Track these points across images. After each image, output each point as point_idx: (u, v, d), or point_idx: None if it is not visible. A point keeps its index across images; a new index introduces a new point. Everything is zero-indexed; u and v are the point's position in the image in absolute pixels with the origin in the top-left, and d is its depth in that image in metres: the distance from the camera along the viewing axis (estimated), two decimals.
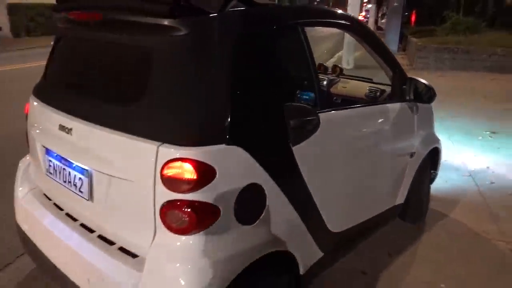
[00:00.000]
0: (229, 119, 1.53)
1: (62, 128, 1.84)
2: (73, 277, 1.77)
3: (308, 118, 1.85)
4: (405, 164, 2.82)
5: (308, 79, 2.06)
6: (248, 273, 1.61)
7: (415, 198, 3.00)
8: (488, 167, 4.48)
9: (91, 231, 1.83)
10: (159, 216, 1.52)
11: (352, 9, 13.55)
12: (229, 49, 1.60)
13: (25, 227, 2.11)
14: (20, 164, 2.36)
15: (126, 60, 1.73)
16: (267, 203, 1.70)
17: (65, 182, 1.89)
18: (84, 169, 1.76)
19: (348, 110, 2.28)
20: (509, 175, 4.30)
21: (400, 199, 2.86)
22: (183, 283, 1.47)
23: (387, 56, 2.64)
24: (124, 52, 1.74)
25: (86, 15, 1.82)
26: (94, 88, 1.86)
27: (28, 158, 2.34)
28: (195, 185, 1.46)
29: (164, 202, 1.50)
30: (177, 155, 1.45)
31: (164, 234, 1.53)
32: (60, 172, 1.91)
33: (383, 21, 41.17)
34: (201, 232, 1.51)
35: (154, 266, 1.54)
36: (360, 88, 3.22)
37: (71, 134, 1.79)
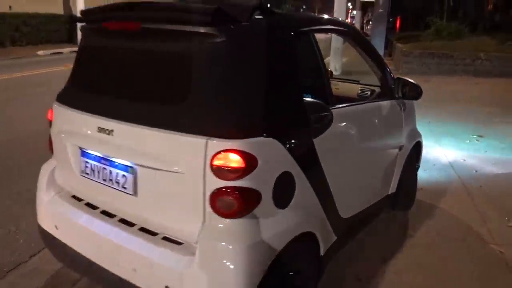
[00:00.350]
0: (265, 114, 1.75)
1: (101, 130, 1.93)
2: (115, 270, 1.89)
3: (324, 114, 2.06)
4: (396, 157, 3.07)
5: (321, 78, 2.32)
6: (285, 252, 1.78)
7: (405, 187, 3.24)
8: (476, 171, 4.55)
9: (131, 225, 1.95)
10: (208, 203, 1.68)
11: (338, 16, 13.66)
12: (261, 53, 1.82)
13: (52, 229, 2.19)
14: (42, 170, 2.40)
15: (167, 64, 1.85)
16: (296, 189, 1.90)
17: (105, 180, 2.00)
18: (128, 166, 1.89)
19: (352, 107, 2.49)
20: (497, 178, 4.37)
21: (392, 188, 3.10)
22: (235, 262, 1.65)
23: (377, 58, 2.93)
24: (165, 57, 1.86)
25: (124, 25, 1.95)
26: (134, 91, 1.96)
27: (50, 162, 2.39)
28: (242, 173, 1.64)
29: (214, 190, 1.67)
30: (226, 147, 1.63)
31: (214, 219, 1.70)
32: (99, 172, 2.02)
33: (368, 27, 41.74)
34: (247, 215, 1.70)
35: (206, 249, 1.69)
36: (351, 89, 3.44)
37: (112, 135, 1.90)
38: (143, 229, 1.91)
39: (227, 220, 1.69)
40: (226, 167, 1.63)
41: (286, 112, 1.90)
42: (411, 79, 2.99)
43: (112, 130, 1.90)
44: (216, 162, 1.63)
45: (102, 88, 2.11)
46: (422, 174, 4.37)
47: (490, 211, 3.60)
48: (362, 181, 2.69)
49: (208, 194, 1.68)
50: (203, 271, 1.68)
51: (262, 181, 1.71)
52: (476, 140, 5.72)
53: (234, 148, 1.63)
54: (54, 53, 16.15)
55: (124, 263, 1.87)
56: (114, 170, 1.95)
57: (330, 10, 14.41)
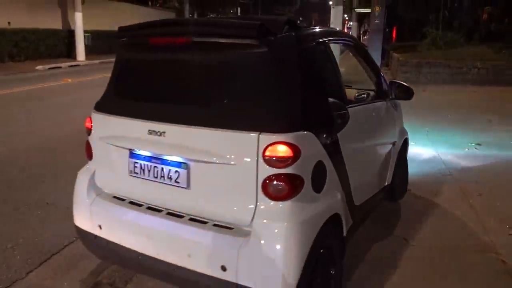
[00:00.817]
0: (302, 112, 2.04)
1: (152, 132, 2.14)
2: (168, 258, 2.10)
3: (344, 112, 2.38)
4: (390, 151, 3.44)
5: (338, 81, 2.62)
6: (322, 230, 2.05)
7: (398, 179, 3.62)
8: (476, 181, 4.52)
9: (180, 217, 2.15)
10: (261, 189, 1.94)
11: (335, 27, 13.75)
12: (294, 60, 2.13)
13: (95, 229, 2.36)
14: (80, 175, 2.55)
15: (217, 71, 2.16)
16: (327, 176, 2.17)
17: (156, 177, 2.20)
18: (182, 162, 2.10)
19: (360, 107, 2.87)
20: (496, 187, 4.35)
21: (388, 180, 3.44)
22: (288, 238, 1.91)
23: (374, 66, 3.33)
24: (214, 66, 2.16)
25: (174, 39, 2.21)
26: (185, 97, 2.23)
27: (87, 168, 2.56)
28: (290, 162, 1.91)
29: (266, 177, 1.92)
30: (276, 140, 1.89)
31: (266, 202, 1.95)
32: (149, 170, 2.22)
33: (365, 37, 41.99)
34: (293, 198, 1.96)
35: (261, 228, 1.93)
36: (349, 93, 3.81)
37: (164, 136, 2.11)
38: (192, 219, 2.12)
39: (278, 203, 1.95)
40: (277, 156, 1.90)
41: (317, 110, 2.19)
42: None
43: (164, 132, 2.11)
44: (268, 153, 1.90)
45: (150, 96, 2.34)
46: (421, 183, 4.35)
47: (491, 220, 3.58)
48: (368, 173, 3.04)
49: (260, 181, 1.93)
50: (259, 248, 1.91)
51: (304, 168, 1.98)
52: (475, 148, 5.71)
53: (283, 140, 1.90)
54: (52, 68, 16.22)
55: (177, 250, 2.08)
56: (166, 167, 2.16)
57: (326, 22, 14.51)
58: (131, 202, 2.33)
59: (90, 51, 20.13)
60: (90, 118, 2.48)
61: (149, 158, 2.22)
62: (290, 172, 1.92)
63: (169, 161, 2.15)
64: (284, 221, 1.93)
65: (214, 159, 2.01)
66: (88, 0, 19.86)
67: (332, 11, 14.06)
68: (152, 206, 2.27)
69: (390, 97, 3.34)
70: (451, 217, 3.65)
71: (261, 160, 1.91)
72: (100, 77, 13.74)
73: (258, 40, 1.99)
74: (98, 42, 21.39)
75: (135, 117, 2.24)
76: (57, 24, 20.01)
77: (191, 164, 2.08)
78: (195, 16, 36.83)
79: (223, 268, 1.95)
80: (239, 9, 41.83)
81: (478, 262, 2.97)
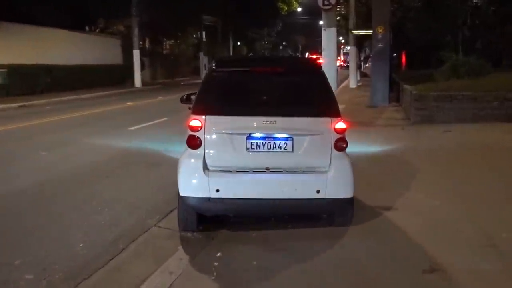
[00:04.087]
0: (338, 105, 5.28)
1: (266, 122, 4.79)
2: (279, 195, 4.82)
3: None
4: None
5: None
6: None
7: None
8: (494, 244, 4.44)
9: (280, 172, 4.91)
10: (333, 146, 4.93)
11: (328, 54, 14.05)
12: (326, 79, 5.43)
13: (212, 193, 4.73)
14: (189, 160, 4.93)
15: (300, 86, 5.29)
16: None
17: (269, 149, 4.83)
18: (288, 137, 4.82)
19: None
20: None
21: None
22: (349, 167, 5.04)
23: None
24: (297, 84, 5.29)
25: (271, 69, 5.35)
26: (283, 101, 5.21)
27: (190, 155, 4.92)
28: (345, 131, 5.03)
29: (336, 139, 4.95)
30: (339, 120, 4.98)
31: (336, 153, 4.98)
32: (264, 145, 4.83)
33: (366, 65, 42.98)
34: (345, 150, 5.10)
35: (337, 164, 4.97)
36: None
37: (275, 123, 4.79)
38: (288, 172, 4.90)
39: (341, 152, 4.98)
40: (340, 128, 4.92)
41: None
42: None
43: (275, 121, 4.79)
44: (336, 127, 4.89)
45: (258, 102, 5.16)
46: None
47: None
48: None
49: (333, 142, 4.88)
50: (337, 175, 4.90)
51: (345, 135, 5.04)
52: None
53: (341, 120, 4.96)
54: None
55: (288, 188, 4.82)
56: (277, 142, 4.82)
57: (315, 46, 14.78)
58: (237, 171, 4.87)
59: (7, 92, 19.93)
60: (198, 119, 4.82)
61: (263, 138, 4.81)
62: (344, 136, 4.91)
63: (279, 137, 4.81)
64: (347, 160, 5.00)
65: (309, 132, 4.86)
66: (5, 27, 19.96)
67: (324, 33, 14.42)
68: (256, 170, 4.88)
69: None
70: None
71: (333, 131, 4.84)
72: (18, 126, 13.46)
73: (319, 69, 5.37)
74: (17, 80, 21.12)
75: (250, 115, 4.86)
76: None
77: (295, 137, 4.81)
78: (147, 42, 37.72)
79: (318, 191, 4.77)
80: (204, 33, 42.93)
81: None
